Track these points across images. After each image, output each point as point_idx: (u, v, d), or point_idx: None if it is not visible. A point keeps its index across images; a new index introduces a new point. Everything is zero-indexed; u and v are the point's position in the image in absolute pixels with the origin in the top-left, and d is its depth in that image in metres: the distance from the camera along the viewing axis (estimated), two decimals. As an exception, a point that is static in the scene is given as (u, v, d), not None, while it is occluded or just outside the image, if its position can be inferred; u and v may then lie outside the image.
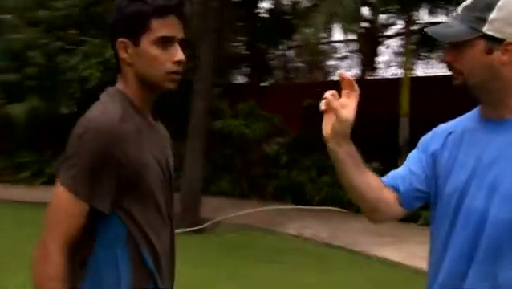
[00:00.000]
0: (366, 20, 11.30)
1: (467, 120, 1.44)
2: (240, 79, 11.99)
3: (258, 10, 10.75)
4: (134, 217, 1.39)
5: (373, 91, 8.13)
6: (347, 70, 12.56)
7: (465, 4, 1.33)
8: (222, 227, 7.04)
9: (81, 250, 1.37)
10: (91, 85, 8.74)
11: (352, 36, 11.91)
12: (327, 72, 14.89)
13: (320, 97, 1.28)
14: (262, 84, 11.45)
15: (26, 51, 9.95)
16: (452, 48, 1.34)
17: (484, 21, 1.28)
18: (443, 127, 1.48)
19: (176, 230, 4.51)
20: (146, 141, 1.41)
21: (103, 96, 1.43)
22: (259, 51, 10.90)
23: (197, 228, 7.11)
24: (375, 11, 10.41)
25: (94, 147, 1.28)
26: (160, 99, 1.54)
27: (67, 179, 1.29)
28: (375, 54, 13.09)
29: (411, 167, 1.48)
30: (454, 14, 1.36)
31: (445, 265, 1.37)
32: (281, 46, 11.87)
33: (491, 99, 1.35)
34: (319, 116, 1.33)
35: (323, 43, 12.79)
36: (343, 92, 1.31)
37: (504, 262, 1.27)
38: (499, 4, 1.27)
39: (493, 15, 1.27)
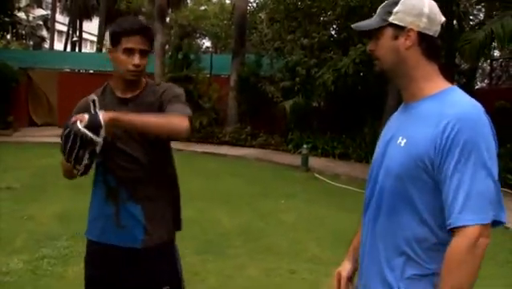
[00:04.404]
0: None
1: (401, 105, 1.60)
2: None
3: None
4: (100, 155, 1.88)
5: None
6: None
7: (382, 4, 1.55)
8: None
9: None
10: (329, 88, 12.42)
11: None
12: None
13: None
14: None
15: (295, 67, 13.64)
16: (373, 39, 1.54)
17: (390, 13, 1.49)
18: None
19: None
20: (109, 107, 2.01)
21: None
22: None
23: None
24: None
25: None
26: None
27: None
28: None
29: None
30: None
31: (365, 218, 1.61)
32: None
33: (402, 85, 1.54)
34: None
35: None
36: None
37: (384, 216, 1.50)
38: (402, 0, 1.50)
39: (397, 8, 1.48)
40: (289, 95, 13.92)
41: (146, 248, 2.10)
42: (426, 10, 1.49)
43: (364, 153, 12.23)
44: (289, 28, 14.97)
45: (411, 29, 1.48)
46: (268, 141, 14.33)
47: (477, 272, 1.35)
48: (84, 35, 38.61)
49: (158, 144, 2.13)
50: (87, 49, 44.58)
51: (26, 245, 5.02)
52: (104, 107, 1.96)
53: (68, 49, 33.12)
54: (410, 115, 1.51)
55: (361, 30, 1.56)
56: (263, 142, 14.33)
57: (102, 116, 1.76)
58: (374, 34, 1.54)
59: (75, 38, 32.90)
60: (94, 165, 1.95)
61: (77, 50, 32.53)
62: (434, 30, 1.50)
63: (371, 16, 1.59)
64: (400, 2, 1.50)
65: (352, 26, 1.60)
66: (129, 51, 2.02)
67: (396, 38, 1.50)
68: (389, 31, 1.51)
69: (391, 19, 1.50)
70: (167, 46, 18.62)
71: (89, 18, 34.65)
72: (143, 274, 2.11)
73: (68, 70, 19.42)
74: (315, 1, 14.06)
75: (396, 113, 1.65)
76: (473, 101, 1.44)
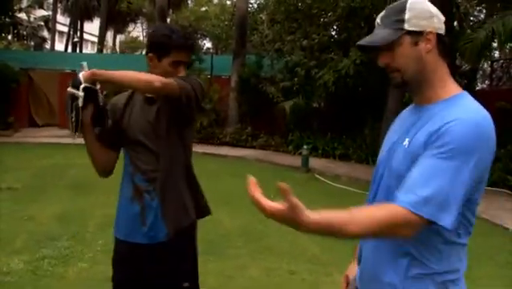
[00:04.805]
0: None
1: (411, 106, 1.59)
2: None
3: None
4: (124, 145, 2.20)
5: None
6: None
7: (381, 15, 1.52)
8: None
9: None
10: (329, 88, 12.43)
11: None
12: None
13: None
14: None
15: (295, 68, 13.66)
16: (385, 51, 1.49)
17: (402, 21, 1.45)
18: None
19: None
20: (133, 106, 2.18)
21: None
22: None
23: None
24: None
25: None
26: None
27: None
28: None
29: None
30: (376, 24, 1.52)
31: None
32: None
33: (417, 89, 1.51)
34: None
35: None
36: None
37: None
38: (408, 6, 1.46)
39: (408, 15, 1.45)
40: (289, 96, 13.98)
41: (170, 240, 2.13)
42: (433, 10, 1.49)
43: (365, 154, 12.24)
44: (289, 29, 14.99)
45: (430, 32, 1.46)
46: (268, 142, 14.34)
47: (371, 236, 1.41)
48: (85, 36, 38.65)
49: (181, 139, 2.19)
50: (88, 50, 44.59)
51: (26, 245, 5.04)
52: (132, 106, 2.18)
53: (69, 50, 33.12)
54: (420, 118, 1.49)
55: (375, 45, 1.49)
56: (264, 143, 14.33)
57: (82, 74, 1.98)
58: (386, 46, 1.48)
59: (75, 39, 32.91)
60: (124, 169, 2.06)
61: (78, 50, 32.55)
62: (443, 28, 1.51)
63: (372, 17, 1.59)
64: (407, 8, 1.47)
65: (362, 43, 1.52)
66: (177, 64, 2.10)
67: (416, 44, 1.47)
68: (407, 39, 1.47)
69: (407, 27, 1.46)
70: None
71: (90, 18, 34.69)
72: (166, 272, 2.15)
73: (69, 70, 19.41)
74: (316, 2, 14.08)
75: (404, 114, 1.63)
76: (486, 113, 1.41)
